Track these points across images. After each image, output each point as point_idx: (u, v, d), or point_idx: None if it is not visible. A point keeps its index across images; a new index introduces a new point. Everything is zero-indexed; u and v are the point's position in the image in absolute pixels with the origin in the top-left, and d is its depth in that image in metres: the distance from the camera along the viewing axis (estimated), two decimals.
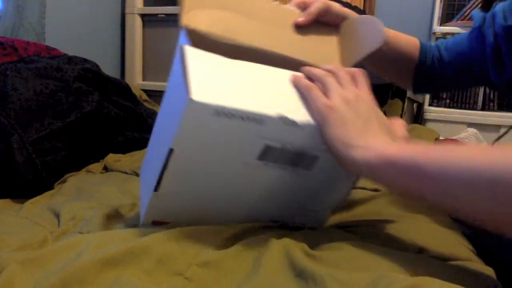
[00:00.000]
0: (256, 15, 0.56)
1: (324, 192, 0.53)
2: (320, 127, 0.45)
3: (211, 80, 0.43)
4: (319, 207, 0.55)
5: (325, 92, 0.47)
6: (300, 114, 0.45)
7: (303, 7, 0.60)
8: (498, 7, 0.67)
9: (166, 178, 0.46)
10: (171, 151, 0.43)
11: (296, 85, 0.48)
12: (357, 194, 0.68)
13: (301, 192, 0.52)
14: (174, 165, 0.45)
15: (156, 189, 0.47)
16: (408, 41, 0.76)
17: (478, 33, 0.70)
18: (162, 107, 0.54)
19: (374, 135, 0.45)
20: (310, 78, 0.50)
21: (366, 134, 0.45)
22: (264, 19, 0.56)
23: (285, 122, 0.44)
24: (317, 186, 0.52)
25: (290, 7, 0.61)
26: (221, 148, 0.44)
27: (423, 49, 0.77)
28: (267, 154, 0.46)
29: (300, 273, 0.41)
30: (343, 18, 0.62)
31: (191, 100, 0.40)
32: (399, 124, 0.50)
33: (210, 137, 0.43)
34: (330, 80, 0.48)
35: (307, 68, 0.51)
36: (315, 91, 0.47)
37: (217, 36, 0.51)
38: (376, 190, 0.70)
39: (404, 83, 0.82)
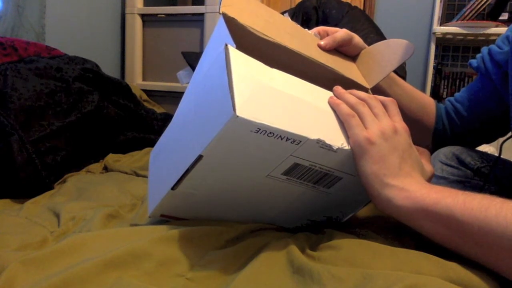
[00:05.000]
0: (283, 27, 0.57)
1: (340, 204, 0.54)
2: (356, 159, 0.46)
3: (255, 94, 0.42)
4: (334, 215, 0.56)
5: (363, 122, 0.47)
6: (336, 139, 0.45)
7: (324, 35, 0.61)
8: (491, 46, 0.70)
9: (188, 180, 0.46)
10: (200, 157, 0.43)
11: (335, 109, 0.48)
12: None
13: (316, 205, 0.52)
14: (200, 170, 0.44)
15: (174, 187, 0.47)
16: (422, 101, 0.74)
17: (482, 79, 0.71)
18: (186, 100, 0.53)
19: (411, 175, 0.45)
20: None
21: (402, 173, 0.45)
22: (291, 33, 0.57)
23: (321, 145, 0.44)
24: (334, 200, 0.52)
25: (311, 33, 0.62)
26: (250, 160, 0.44)
27: (438, 112, 0.75)
28: (293, 170, 0.46)
29: (297, 270, 0.42)
30: (361, 50, 0.63)
31: (235, 116, 0.39)
32: (426, 156, 0.51)
33: (243, 149, 0.42)
34: (365, 111, 0.48)
35: (339, 90, 0.50)
36: (355, 121, 0.47)
37: (256, 31, 0.51)
38: None
39: (420, 144, 0.81)
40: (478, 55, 0.73)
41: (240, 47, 0.46)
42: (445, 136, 0.75)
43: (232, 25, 0.50)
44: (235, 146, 0.42)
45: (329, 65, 0.56)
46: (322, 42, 0.59)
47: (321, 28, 0.61)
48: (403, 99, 0.70)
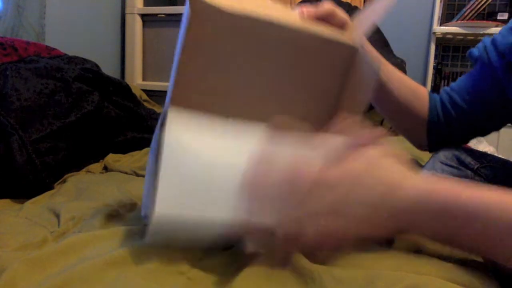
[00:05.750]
0: (265, 6, 0.54)
1: None
2: None
3: (177, 185, 0.45)
4: None
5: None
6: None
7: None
8: (495, 35, 0.68)
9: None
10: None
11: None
12: None
13: None
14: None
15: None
16: (413, 90, 0.73)
17: (482, 70, 0.70)
18: (151, 152, 0.54)
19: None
20: None
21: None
22: (270, 8, 0.54)
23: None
24: None
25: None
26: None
27: (432, 102, 0.74)
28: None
29: (298, 271, 0.42)
30: (345, 24, 0.62)
31: (157, 212, 0.42)
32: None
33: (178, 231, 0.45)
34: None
35: None
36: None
37: (227, 8, 0.47)
38: None
39: (413, 138, 0.79)
40: (479, 45, 0.71)
41: (203, 28, 0.46)
42: (440, 128, 0.74)
43: (198, 5, 0.47)
44: (171, 225, 0.45)
45: (312, 30, 0.54)
46: (306, 9, 0.56)
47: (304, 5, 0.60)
48: (393, 81, 0.70)
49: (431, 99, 0.75)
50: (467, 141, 0.79)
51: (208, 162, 0.47)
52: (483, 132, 0.76)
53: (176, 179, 0.45)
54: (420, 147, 0.80)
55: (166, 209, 0.43)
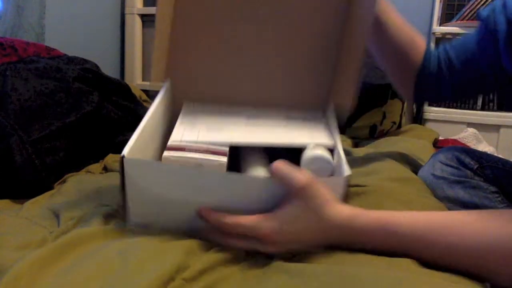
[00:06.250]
0: None
1: None
2: None
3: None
4: None
5: None
6: None
7: None
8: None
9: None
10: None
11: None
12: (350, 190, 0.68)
13: None
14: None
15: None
16: (411, 36, 0.74)
17: (485, 33, 0.69)
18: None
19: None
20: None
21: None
22: None
23: None
24: None
25: None
26: None
27: (428, 51, 0.74)
28: None
29: (282, 271, 0.43)
30: None
31: None
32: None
33: None
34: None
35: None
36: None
37: None
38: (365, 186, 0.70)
39: (401, 84, 0.80)
40: (489, 6, 0.70)
41: None
42: (429, 82, 0.74)
43: None
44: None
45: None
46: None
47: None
48: (391, 22, 0.70)
49: (428, 51, 0.74)
50: (452, 101, 0.79)
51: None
52: (469, 95, 0.76)
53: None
54: (407, 97, 0.81)
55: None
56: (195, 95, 0.64)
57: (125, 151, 0.48)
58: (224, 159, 0.51)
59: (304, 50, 0.63)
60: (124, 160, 0.48)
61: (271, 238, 0.46)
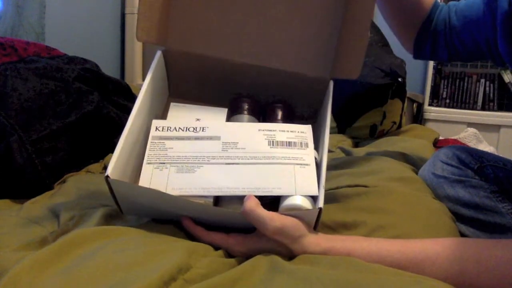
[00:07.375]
0: None
1: None
2: None
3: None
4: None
5: None
6: None
7: None
8: None
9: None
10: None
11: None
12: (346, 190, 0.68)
13: None
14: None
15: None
16: None
17: (487, 9, 0.68)
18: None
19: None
20: None
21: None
22: None
23: None
24: None
25: None
26: None
27: (435, 6, 0.74)
28: None
29: (279, 270, 0.44)
30: None
31: None
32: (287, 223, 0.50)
33: None
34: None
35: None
36: None
37: None
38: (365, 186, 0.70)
39: (405, 38, 0.79)
40: None
41: None
42: (427, 37, 0.74)
43: None
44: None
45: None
46: None
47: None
48: None
49: (435, 6, 0.74)
50: (448, 61, 0.79)
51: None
52: (463, 59, 0.77)
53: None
54: (407, 47, 0.81)
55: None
56: (189, 62, 0.64)
57: (109, 170, 0.51)
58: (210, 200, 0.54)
59: (311, 17, 0.61)
60: (109, 180, 0.51)
61: (240, 255, 0.52)
